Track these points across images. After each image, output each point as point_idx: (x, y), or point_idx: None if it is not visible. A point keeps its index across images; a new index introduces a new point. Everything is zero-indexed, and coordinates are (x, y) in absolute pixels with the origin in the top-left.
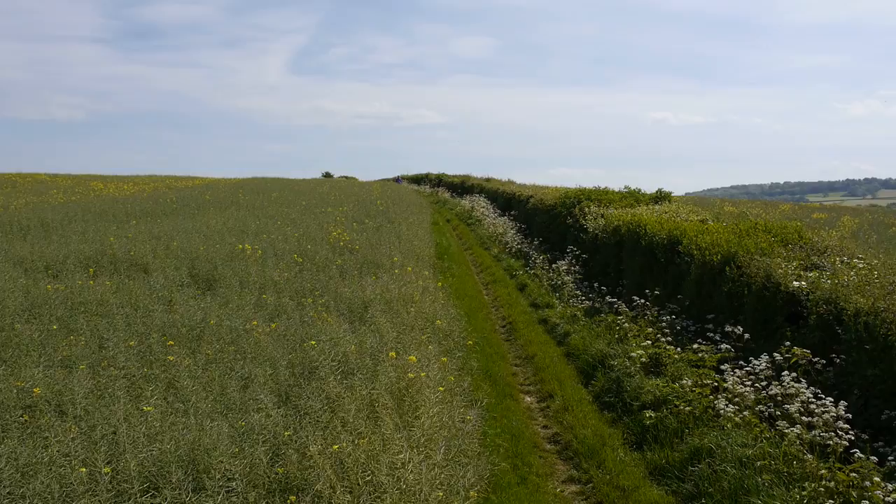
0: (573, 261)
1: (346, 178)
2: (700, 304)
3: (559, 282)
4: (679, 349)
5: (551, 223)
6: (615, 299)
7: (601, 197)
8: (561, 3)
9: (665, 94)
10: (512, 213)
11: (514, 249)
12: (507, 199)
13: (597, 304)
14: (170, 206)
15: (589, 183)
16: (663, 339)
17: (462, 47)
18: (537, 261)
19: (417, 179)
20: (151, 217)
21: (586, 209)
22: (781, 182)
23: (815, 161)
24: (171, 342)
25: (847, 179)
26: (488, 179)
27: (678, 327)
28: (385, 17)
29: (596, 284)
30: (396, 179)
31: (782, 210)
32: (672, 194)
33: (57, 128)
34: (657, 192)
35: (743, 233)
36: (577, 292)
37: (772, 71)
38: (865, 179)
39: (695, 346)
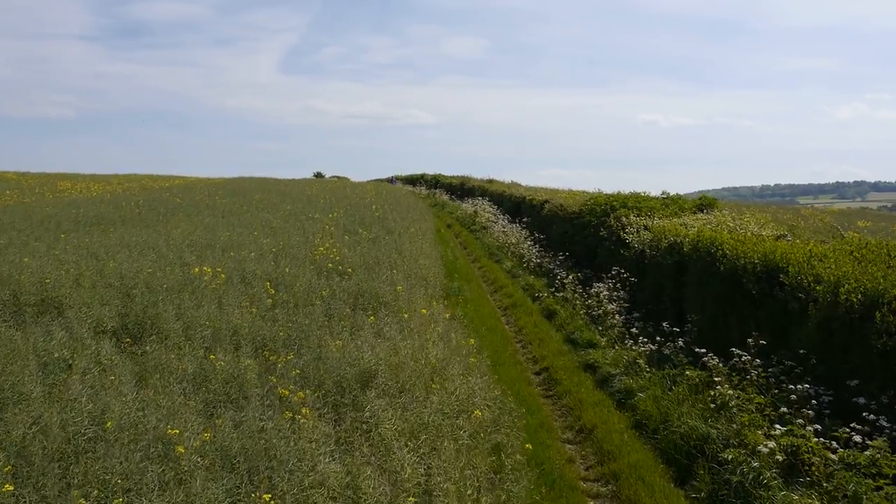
0: (617, 285)
1: (339, 178)
2: (830, 360)
3: (600, 311)
4: (822, 438)
5: (576, 234)
6: (703, 348)
7: (639, 204)
8: (552, 4)
9: (656, 95)
10: (524, 219)
11: (532, 264)
12: (515, 204)
13: (665, 350)
14: (132, 212)
15: (581, 185)
16: (809, 427)
17: (454, 48)
18: (565, 281)
19: (412, 180)
20: (105, 225)
21: (624, 219)
22: (772, 184)
23: (805, 163)
24: (10, 486)
25: (837, 182)
26: (490, 181)
27: (808, 398)
28: (377, 17)
29: (665, 324)
30: (391, 180)
31: (820, 218)
32: (717, 201)
33: (47, 126)
34: (700, 198)
35: (864, 258)
36: (633, 329)
37: (762, 74)
38: (855, 182)
39: (848, 432)
